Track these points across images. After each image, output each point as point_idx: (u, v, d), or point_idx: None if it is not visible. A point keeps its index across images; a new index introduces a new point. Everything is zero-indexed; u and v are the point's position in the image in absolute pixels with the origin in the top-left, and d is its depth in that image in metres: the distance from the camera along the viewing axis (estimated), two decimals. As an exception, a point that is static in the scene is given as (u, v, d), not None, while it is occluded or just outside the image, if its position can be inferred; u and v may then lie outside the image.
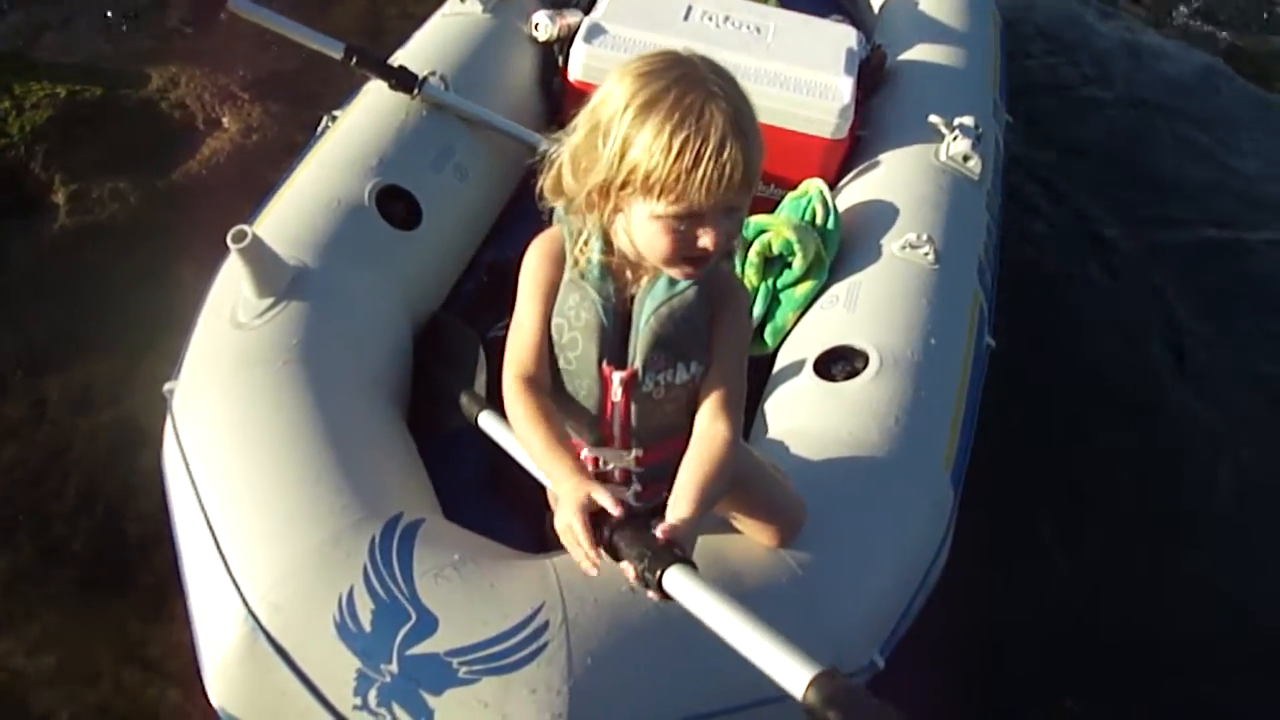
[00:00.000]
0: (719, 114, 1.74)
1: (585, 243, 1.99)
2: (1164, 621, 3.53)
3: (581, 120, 1.88)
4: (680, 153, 1.73)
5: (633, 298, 2.03)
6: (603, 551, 1.87)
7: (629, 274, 2.02)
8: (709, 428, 2.04)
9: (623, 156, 1.78)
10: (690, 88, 1.76)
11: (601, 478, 2.24)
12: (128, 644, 2.94)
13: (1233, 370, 4.69)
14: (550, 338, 2.07)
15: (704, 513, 1.95)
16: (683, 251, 1.87)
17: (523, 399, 2.05)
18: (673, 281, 1.98)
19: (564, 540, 1.91)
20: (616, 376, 2.04)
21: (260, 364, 2.66)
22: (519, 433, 2.10)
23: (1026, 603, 3.43)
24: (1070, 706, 3.23)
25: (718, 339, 2.07)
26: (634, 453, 2.18)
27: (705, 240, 1.84)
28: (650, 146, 1.75)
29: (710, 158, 1.73)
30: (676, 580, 1.79)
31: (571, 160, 1.91)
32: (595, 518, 1.88)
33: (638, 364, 2.04)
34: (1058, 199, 5.51)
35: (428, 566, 2.22)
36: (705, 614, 1.78)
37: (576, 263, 2.01)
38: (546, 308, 2.05)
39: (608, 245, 1.98)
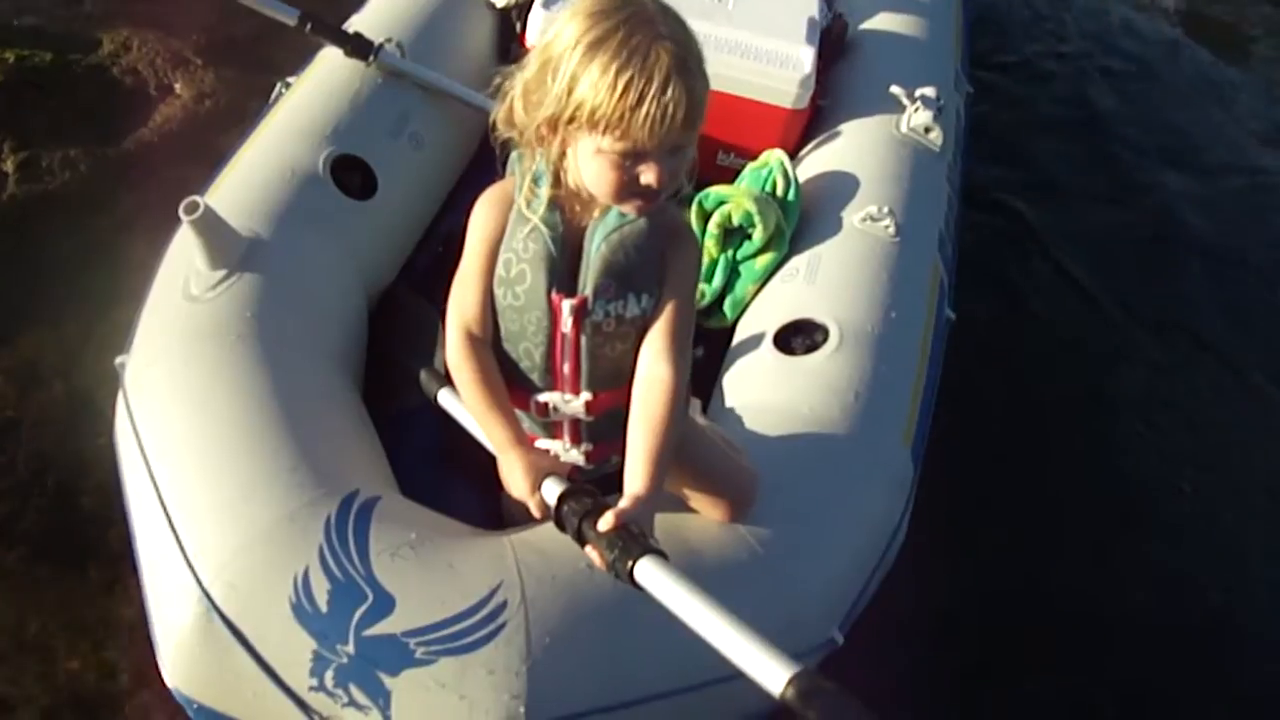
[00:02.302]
0: (664, 54, 1.78)
1: (535, 181, 2.03)
2: (1122, 598, 3.55)
3: (534, 55, 1.92)
4: (625, 91, 1.77)
5: (582, 231, 2.05)
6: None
7: (578, 208, 2.05)
8: (652, 369, 2.07)
9: (570, 92, 1.82)
10: (638, 28, 1.80)
11: (552, 433, 2.28)
12: (81, 623, 2.91)
13: (1196, 342, 4.72)
14: (494, 291, 2.10)
15: (661, 477, 2.00)
16: (629, 187, 1.91)
17: (466, 359, 2.13)
18: (623, 214, 2.01)
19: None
20: (566, 305, 2.05)
21: (213, 337, 2.63)
22: (464, 393, 2.18)
23: (986, 577, 3.44)
24: (1028, 681, 3.25)
25: (667, 277, 2.09)
26: (584, 396, 2.18)
27: (649, 177, 1.89)
28: (596, 83, 1.79)
29: (654, 96, 1.77)
30: (649, 572, 1.81)
31: (523, 93, 1.94)
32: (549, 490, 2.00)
33: (588, 291, 2.05)
34: (1020, 170, 5.51)
35: (384, 545, 2.20)
36: (679, 607, 1.79)
37: (527, 201, 2.04)
38: (492, 259, 2.09)
39: (557, 182, 2.01)
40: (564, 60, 1.83)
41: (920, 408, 3.02)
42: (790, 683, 1.61)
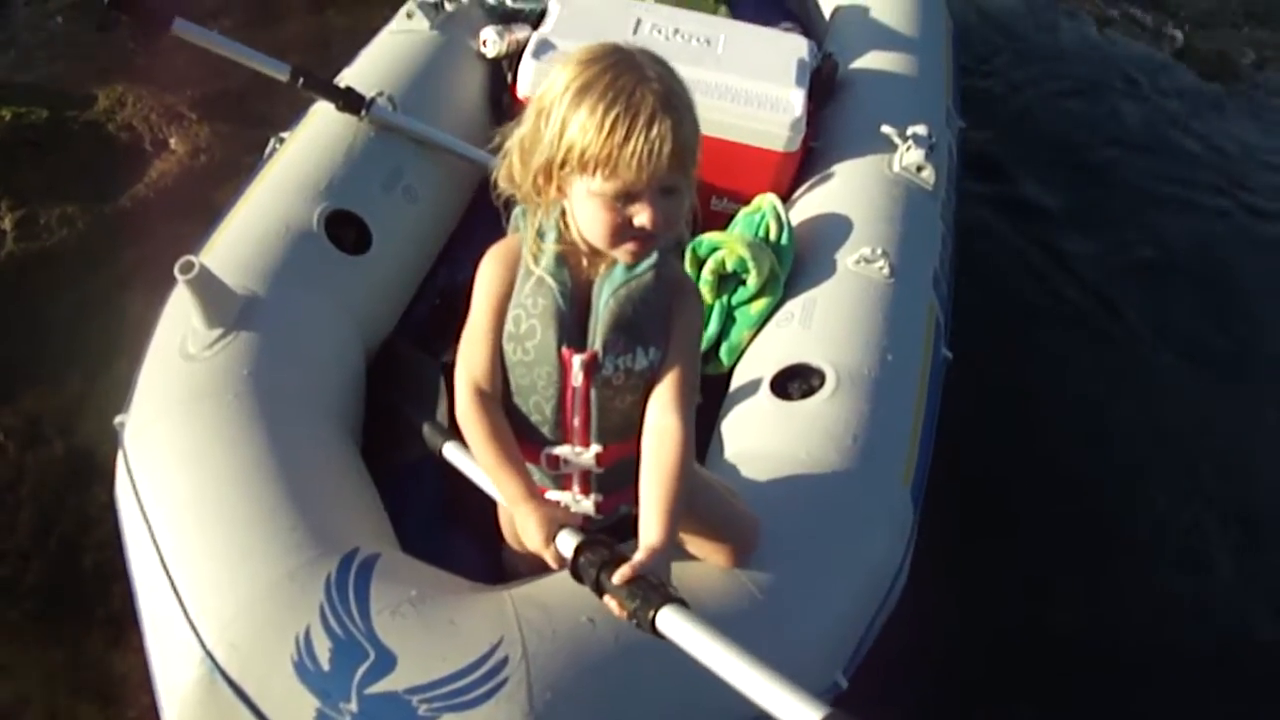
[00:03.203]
0: (649, 94, 1.82)
1: (540, 235, 2.05)
2: (1126, 634, 3.55)
3: (529, 110, 1.96)
4: (612, 129, 1.81)
5: (590, 284, 2.07)
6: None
7: (585, 262, 2.07)
8: (660, 421, 2.09)
9: (561, 136, 1.87)
10: (624, 71, 1.85)
11: (562, 484, 2.28)
12: (85, 679, 2.92)
13: (1197, 374, 4.72)
14: (503, 348, 2.12)
15: (675, 527, 2.03)
16: (623, 231, 1.93)
17: (476, 415, 2.14)
18: (630, 267, 2.03)
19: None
20: (577, 360, 2.07)
21: (211, 396, 2.63)
22: (475, 449, 2.19)
23: (989, 617, 3.43)
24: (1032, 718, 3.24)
25: (673, 330, 2.12)
26: (594, 449, 2.19)
27: (642, 219, 1.90)
28: (585, 124, 1.83)
29: (640, 133, 1.81)
30: (671, 621, 1.82)
31: (520, 147, 1.99)
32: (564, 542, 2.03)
33: (597, 345, 2.07)
34: (1014, 204, 5.53)
35: (385, 603, 2.20)
36: (703, 655, 1.80)
37: (534, 256, 2.06)
38: (501, 315, 2.10)
39: (561, 236, 2.04)
40: (554, 107, 1.87)
41: (919, 448, 3.01)
42: None
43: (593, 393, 2.11)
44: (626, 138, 1.81)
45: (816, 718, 1.63)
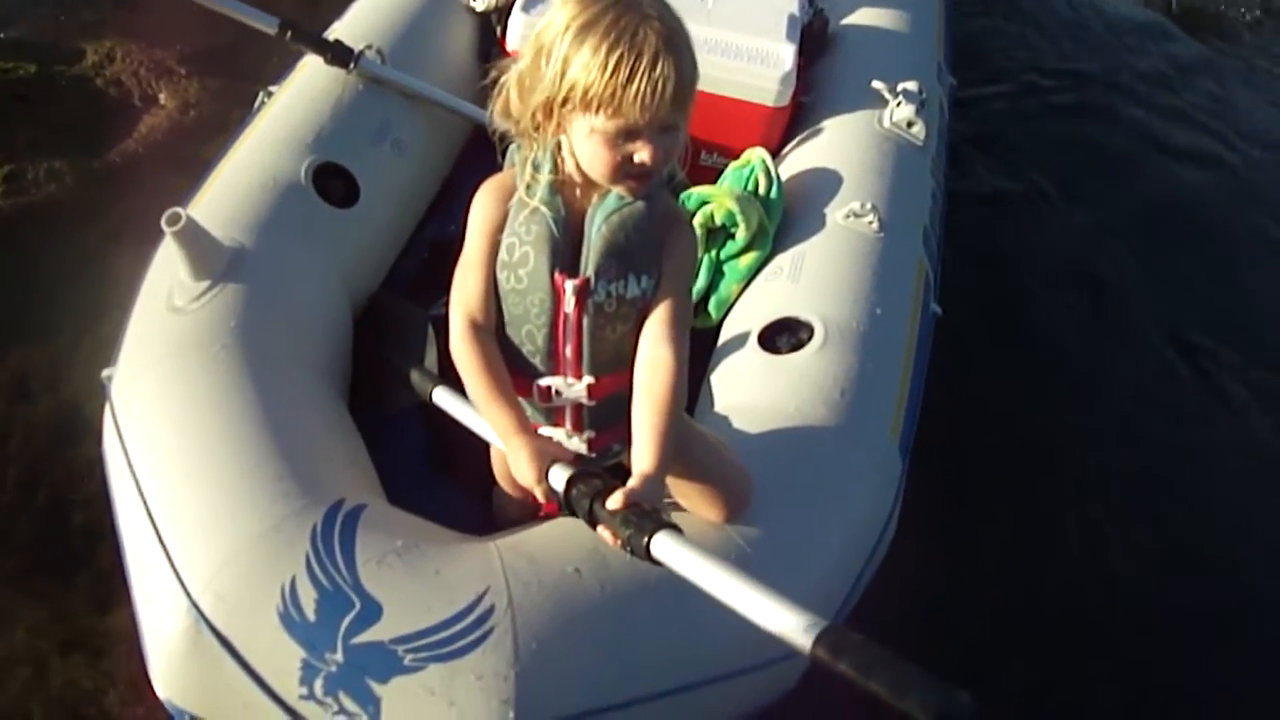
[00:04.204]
0: (652, 33, 1.84)
1: (535, 167, 2.08)
2: (1114, 594, 3.56)
3: (527, 46, 1.98)
4: (616, 69, 1.84)
5: (583, 214, 2.10)
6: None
7: (578, 192, 2.10)
8: (653, 351, 2.11)
9: (563, 75, 1.89)
10: (626, 10, 1.86)
11: (554, 420, 2.30)
12: (73, 634, 2.92)
13: (1187, 336, 4.71)
14: (497, 277, 2.14)
15: (668, 455, 2.05)
16: (623, 168, 1.97)
17: (470, 347, 2.16)
18: (622, 195, 2.06)
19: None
20: (569, 285, 2.09)
21: (197, 348, 2.64)
22: (467, 382, 2.19)
23: (977, 571, 3.44)
24: (1019, 676, 3.25)
25: (665, 262, 2.14)
26: (586, 380, 2.20)
27: (643, 155, 1.94)
28: (588, 64, 1.85)
29: (644, 73, 1.83)
30: (666, 546, 1.84)
31: (518, 83, 2.01)
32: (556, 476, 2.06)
33: (590, 271, 2.09)
34: (1004, 162, 5.50)
35: (370, 553, 2.21)
36: (699, 577, 1.81)
37: (528, 187, 2.08)
38: (494, 246, 2.13)
39: (556, 168, 2.07)
40: (556, 45, 1.89)
41: (907, 402, 3.02)
42: (819, 639, 1.62)
43: (585, 320, 2.12)
44: (631, 77, 1.83)
45: (815, 630, 1.64)
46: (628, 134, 1.91)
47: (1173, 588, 3.62)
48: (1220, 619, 3.56)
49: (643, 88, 1.83)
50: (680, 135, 1.99)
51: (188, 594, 2.20)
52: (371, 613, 2.12)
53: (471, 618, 2.12)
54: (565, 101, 1.91)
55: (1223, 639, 3.51)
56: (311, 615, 2.12)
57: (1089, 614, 3.46)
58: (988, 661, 3.22)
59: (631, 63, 1.82)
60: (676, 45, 1.86)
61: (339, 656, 2.09)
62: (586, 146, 1.96)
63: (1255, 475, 4.13)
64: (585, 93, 1.86)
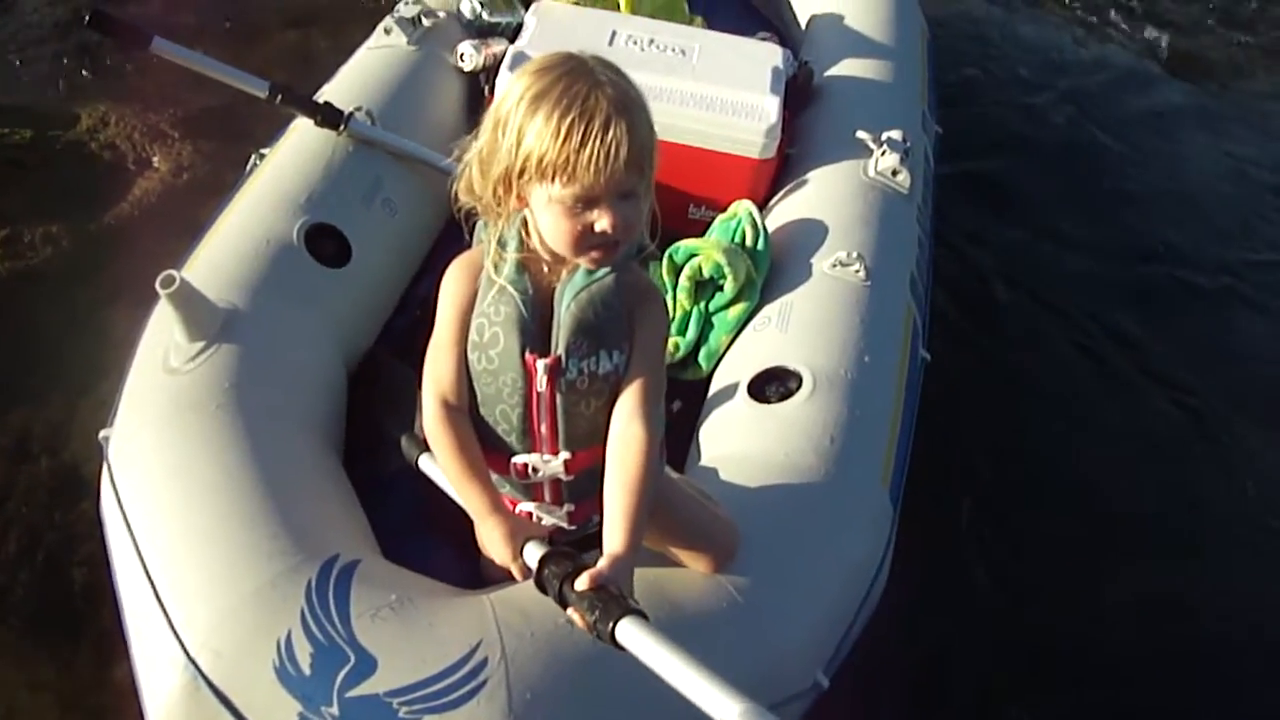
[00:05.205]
0: (604, 99, 1.85)
1: (501, 244, 2.07)
2: (1106, 633, 3.57)
3: (486, 121, 1.99)
4: (568, 135, 1.84)
5: (552, 291, 2.08)
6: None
7: (546, 269, 2.08)
8: (626, 428, 2.09)
9: (519, 145, 1.89)
10: (578, 78, 1.88)
11: (533, 495, 2.29)
12: (73, 691, 2.94)
13: (1170, 377, 4.73)
14: (468, 358, 2.13)
15: (639, 536, 2.02)
16: (585, 238, 1.95)
17: (442, 428, 2.14)
18: (590, 271, 2.05)
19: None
20: (540, 364, 2.08)
21: (194, 408, 2.65)
22: (441, 463, 2.20)
23: (969, 615, 3.46)
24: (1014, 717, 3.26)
25: (636, 335, 2.12)
26: (562, 456, 2.19)
27: (603, 223, 1.92)
28: (541, 131, 1.86)
29: (596, 136, 1.83)
30: (629, 633, 1.83)
31: (479, 160, 2.01)
32: (530, 554, 2.04)
33: (561, 350, 2.07)
34: (991, 208, 5.55)
35: (365, 607, 2.22)
36: (659, 666, 1.81)
37: (496, 265, 2.07)
38: (464, 326, 2.12)
39: (522, 244, 2.06)
40: (511, 116, 1.90)
41: (897, 449, 3.04)
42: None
43: (558, 398, 2.11)
44: (583, 142, 1.83)
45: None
46: (586, 201, 1.90)
47: (1167, 630, 3.63)
48: (1220, 657, 3.58)
49: (596, 151, 1.83)
50: (642, 204, 1.98)
51: (185, 651, 2.21)
52: (366, 666, 2.12)
53: (465, 670, 2.13)
54: (522, 172, 1.90)
55: (1224, 681, 3.52)
56: (307, 669, 2.13)
57: (1085, 657, 3.46)
58: (981, 706, 3.23)
59: (583, 128, 1.83)
60: (629, 109, 1.87)
61: (335, 710, 2.09)
62: (547, 217, 1.95)
63: (1250, 516, 4.15)
64: (540, 161, 1.86)
